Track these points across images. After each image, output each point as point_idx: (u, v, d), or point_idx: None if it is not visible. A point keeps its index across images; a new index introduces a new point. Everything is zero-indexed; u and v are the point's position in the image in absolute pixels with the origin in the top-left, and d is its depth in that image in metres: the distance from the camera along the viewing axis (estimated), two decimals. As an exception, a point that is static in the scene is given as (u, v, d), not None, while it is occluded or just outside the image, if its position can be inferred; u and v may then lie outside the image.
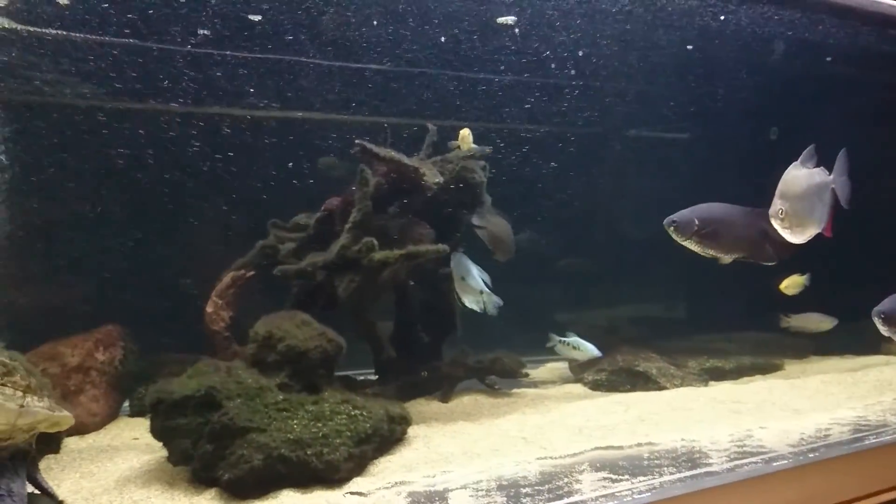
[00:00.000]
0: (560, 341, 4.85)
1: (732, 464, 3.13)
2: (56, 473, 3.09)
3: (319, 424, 3.01)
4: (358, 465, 3.04)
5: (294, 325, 3.34)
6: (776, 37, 5.99)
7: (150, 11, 4.33)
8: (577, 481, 2.96)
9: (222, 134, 4.76)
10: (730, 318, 6.25)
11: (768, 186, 3.45)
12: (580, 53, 5.66)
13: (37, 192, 4.34)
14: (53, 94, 4.36)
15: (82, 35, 4.28)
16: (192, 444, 2.91)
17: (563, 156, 6.12)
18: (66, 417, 2.40)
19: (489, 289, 4.26)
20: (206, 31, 4.46)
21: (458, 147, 4.36)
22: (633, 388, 4.76)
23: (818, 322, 5.44)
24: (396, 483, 2.95)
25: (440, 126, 4.49)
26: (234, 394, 3.00)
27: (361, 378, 4.33)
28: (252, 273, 4.31)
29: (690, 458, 3.20)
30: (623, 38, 5.70)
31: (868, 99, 6.32)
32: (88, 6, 4.21)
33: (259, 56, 4.73)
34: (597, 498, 2.75)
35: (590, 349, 4.79)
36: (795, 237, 3.48)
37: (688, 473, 3.01)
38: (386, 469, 3.12)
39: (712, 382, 5.03)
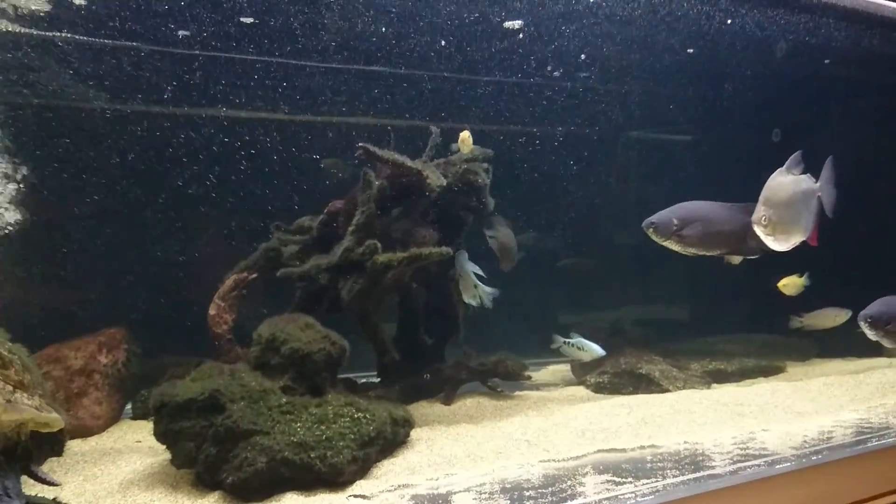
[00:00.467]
0: (564, 342, 4.85)
1: (735, 466, 3.12)
2: (59, 476, 3.08)
3: (323, 427, 3.01)
4: (361, 468, 3.04)
5: (298, 327, 3.34)
6: (779, 39, 5.99)
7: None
8: (581, 484, 2.96)
9: (226, 137, 4.77)
10: (733, 321, 6.25)
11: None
12: (583, 56, 5.67)
13: (42, 195, 4.35)
14: (54, 96, 4.38)
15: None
16: (196, 446, 2.91)
17: (566, 157, 6.13)
18: (54, 419, 2.31)
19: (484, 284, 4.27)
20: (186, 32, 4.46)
21: (459, 149, 4.36)
22: (636, 391, 4.76)
23: (833, 316, 5.30)
24: (400, 486, 2.95)
25: (444, 129, 4.49)
26: (238, 396, 3.01)
27: (364, 381, 4.34)
28: (255, 275, 4.31)
29: (693, 461, 3.20)
30: (628, 39, 5.71)
31: (874, 100, 6.32)
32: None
33: (262, 59, 4.74)
34: (600, 500, 2.75)
35: (594, 349, 4.79)
36: (779, 245, 3.44)
37: (691, 476, 3.01)
38: (389, 472, 3.12)
39: (715, 385, 5.02)
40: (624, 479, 2.99)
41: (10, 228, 3.78)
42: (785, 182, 3.42)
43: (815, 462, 3.18)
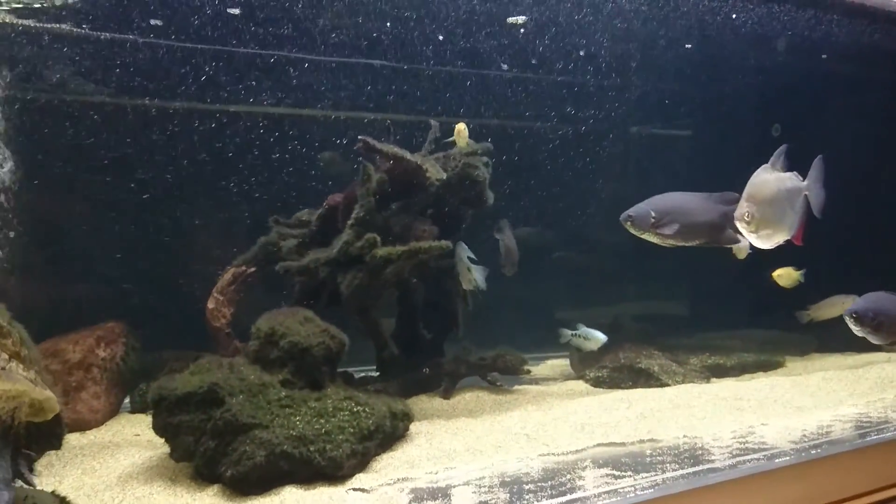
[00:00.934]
0: (573, 335, 4.85)
1: (735, 460, 3.12)
2: (58, 469, 3.09)
3: (322, 421, 3.01)
4: (361, 462, 3.04)
5: (297, 321, 3.34)
6: (779, 34, 5.99)
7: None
8: (580, 478, 2.97)
9: (223, 131, 4.76)
10: (732, 316, 6.25)
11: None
12: (583, 52, 5.66)
13: (41, 190, 4.34)
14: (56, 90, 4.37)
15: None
16: (195, 440, 2.91)
17: (566, 151, 6.12)
18: (49, 398, 2.24)
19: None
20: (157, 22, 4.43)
21: (455, 142, 4.34)
22: (635, 385, 4.76)
23: (842, 304, 5.12)
24: (399, 479, 2.95)
25: (444, 123, 4.49)
26: (237, 390, 3.00)
27: (363, 375, 4.33)
28: (253, 269, 4.30)
29: (693, 455, 3.20)
30: (627, 34, 5.70)
31: (874, 96, 6.32)
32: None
33: (261, 52, 4.73)
34: (600, 494, 2.75)
35: (598, 336, 4.79)
36: (762, 243, 3.39)
37: (690, 470, 3.01)
38: (389, 465, 3.12)
39: (714, 379, 5.03)
40: (623, 473, 2.99)
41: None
42: (769, 179, 3.36)
43: (814, 456, 3.18)
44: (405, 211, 4.15)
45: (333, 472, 2.90)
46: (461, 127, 4.30)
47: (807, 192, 3.43)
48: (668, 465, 3.08)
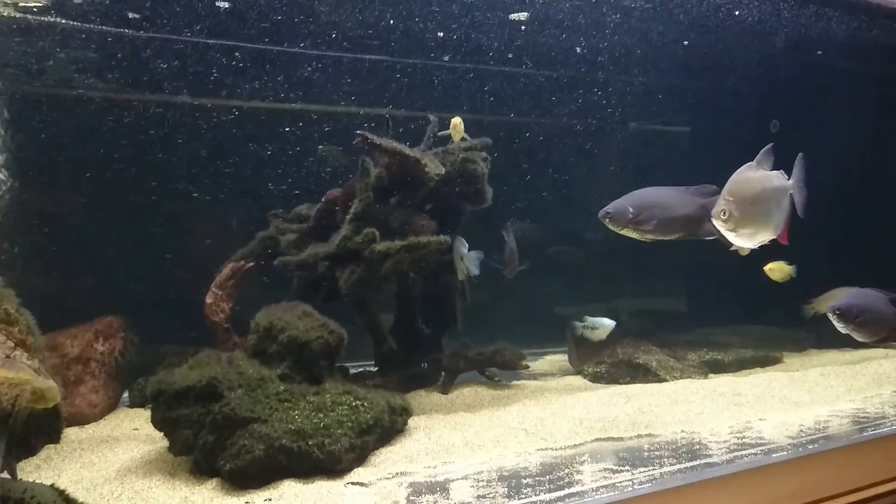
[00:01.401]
0: (583, 327, 4.87)
1: (732, 455, 3.13)
2: (57, 463, 3.09)
3: (321, 415, 3.01)
4: (359, 456, 3.04)
5: (295, 316, 3.34)
6: (778, 30, 6.00)
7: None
8: (578, 472, 2.97)
9: (220, 126, 4.75)
10: (730, 312, 6.27)
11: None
12: (579, 49, 5.66)
13: (39, 183, 4.34)
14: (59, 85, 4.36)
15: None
16: (194, 434, 2.91)
17: (564, 148, 6.13)
18: (52, 388, 2.20)
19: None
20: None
21: (450, 136, 4.34)
22: (633, 381, 4.76)
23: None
24: (398, 473, 2.95)
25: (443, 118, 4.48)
26: (236, 384, 3.01)
27: (361, 370, 4.34)
28: (252, 264, 4.30)
29: (690, 450, 3.21)
30: (625, 30, 5.70)
31: (873, 91, 6.33)
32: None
33: (260, 47, 4.72)
34: (597, 489, 2.76)
35: (605, 322, 4.81)
36: (743, 241, 3.37)
37: (688, 465, 3.02)
38: (387, 460, 3.12)
39: (712, 375, 5.03)
40: (621, 468, 3.00)
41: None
42: (752, 177, 3.31)
43: (811, 451, 3.19)
44: (404, 205, 4.16)
45: (332, 467, 2.91)
46: (457, 121, 4.30)
47: (791, 192, 3.40)
48: (665, 459, 3.09)
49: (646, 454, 3.18)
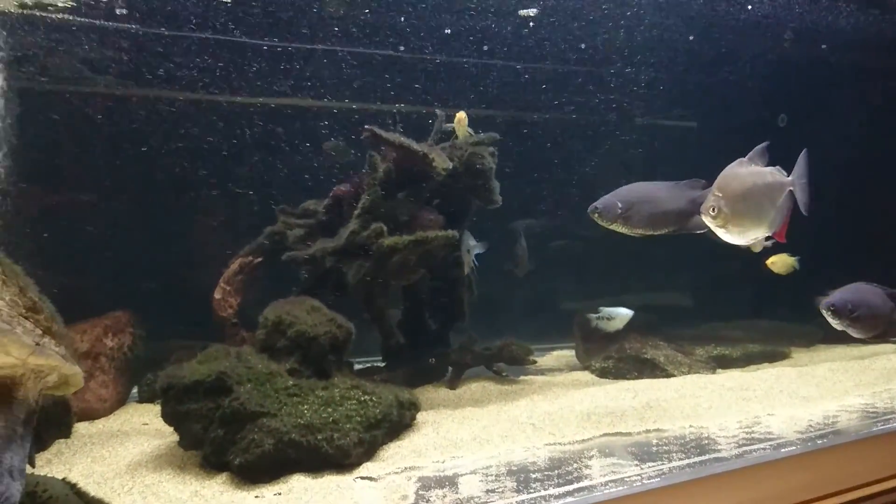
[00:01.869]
0: (598, 317, 4.85)
1: (741, 450, 3.13)
2: (67, 458, 3.11)
3: (330, 409, 3.02)
4: (368, 451, 3.05)
5: (304, 310, 3.35)
6: (787, 23, 5.97)
7: None
8: (587, 467, 2.97)
9: (230, 123, 4.76)
10: (737, 307, 6.24)
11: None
12: (583, 45, 5.65)
13: (46, 179, 4.35)
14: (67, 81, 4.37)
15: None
16: (203, 428, 2.92)
17: (570, 142, 6.11)
18: (77, 373, 2.22)
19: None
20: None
21: (454, 130, 4.34)
22: (641, 376, 4.76)
23: None
24: (406, 468, 2.96)
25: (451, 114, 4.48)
26: (245, 379, 3.02)
27: (368, 365, 4.35)
28: (260, 259, 4.31)
29: (699, 445, 3.20)
30: (630, 23, 5.68)
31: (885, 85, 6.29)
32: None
33: (264, 43, 4.72)
34: (606, 483, 2.76)
35: (622, 312, 4.80)
36: (733, 238, 3.30)
37: (696, 459, 3.01)
38: (396, 454, 3.13)
39: (720, 370, 5.03)
40: (629, 462, 2.99)
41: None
42: (741, 173, 3.25)
43: (820, 446, 3.18)
44: (411, 200, 4.16)
45: (341, 461, 2.92)
46: (461, 116, 4.30)
47: (791, 188, 3.33)
48: (674, 454, 3.09)
49: (654, 449, 3.18)
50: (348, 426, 2.98)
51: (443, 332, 4.61)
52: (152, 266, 4.58)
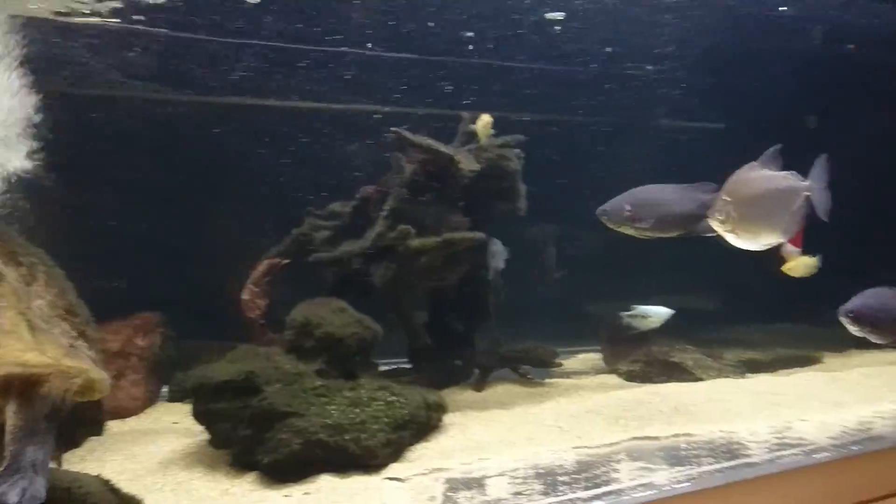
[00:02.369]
0: (630, 316, 4.80)
1: (773, 455, 3.08)
2: (100, 455, 3.15)
3: (357, 410, 3.03)
4: (395, 452, 3.06)
5: (331, 311, 3.37)
6: (815, 23, 5.89)
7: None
8: (615, 470, 2.95)
9: (262, 125, 4.80)
10: (766, 310, 6.15)
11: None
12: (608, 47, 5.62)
13: (82, 181, 4.42)
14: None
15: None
16: (233, 427, 2.95)
17: (592, 144, 6.07)
18: (104, 380, 2.25)
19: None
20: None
21: (476, 133, 4.33)
22: (669, 379, 4.69)
23: None
24: (434, 469, 2.95)
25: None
26: (273, 379, 3.04)
27: (394, 367, 4.35)
28: (287, 261, 4.34)
29: (729, 449, 3.16)
30: (649, 24, 5.64)
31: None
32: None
33: (293, 47, 4.76)
34: (635, 487, 2.73)
35: (662, 311, 4.72)
36: (743, 243, 3.27)
37: (727, 464, 2.98)
38: (423, 455, 3.13)
39: (749, 374, 4.94)
40: (658, 466, 2.96)
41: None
42: (752, 178, 3.22)
43: (854, 452, 3.13)
44: (437, 202, 4.15)
45: (368, 461, 2.92)
46: (485, 118, 4.30)
47: (808, 193, 3.26)
48: (703, 458, 3.05)
49: (683, 453, 3.14)
50: (375, 427, 2.99)
51: (468, 334, 4.60)
52: (179, 267, 4.63)
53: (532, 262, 4.92)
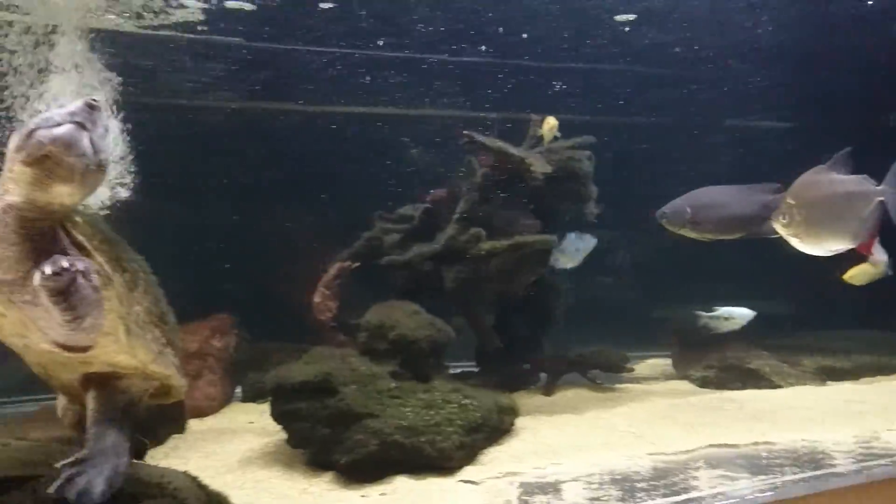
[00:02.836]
0: (711, 317, 4.68)
1: (860, 465, 2.96)
2: (183, 452, 3.25)
3: (431, 412, 3.04)
4: (469, 454, 3.06)
5: (404, 314, 3.40)
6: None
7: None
8: (694, 478, 2.89)
9: (336, 131, 4.88)
10: (844, 315, 5.92)
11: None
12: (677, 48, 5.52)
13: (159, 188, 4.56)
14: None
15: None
16: (310, 427, 2.99)
17: (662, 146, 5.97)
18: (182, 386, 2.41)
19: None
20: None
21: (541, 135, 4.31)
22: (744, 386, 4.55)
23: None
24: (507, 473, 2.95)
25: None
26: (349, 380, 3.08)
27: (460, 370, 4.35)
28: (357, 264, 4.39)
29: (813, 459, 3.06)
30: (729, 22, 5.51)
31: None
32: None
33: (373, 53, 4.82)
34: (716, 495, 2.67)
35: (746, 312, 4.62)
36: (808, 248, 3.17)
37: (811, 474, 2.88)
38: (496, 459, 3.12)
39: (830, 382, 4.77)
40: (739, 475, 2.89)
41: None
42: (820, 181, 3.12)
43: (948, 464, 2.98)
44: (508, 205, 4.14)
45: (442, 464, 2.93)
46: (551, 120, 4.28)
47: (882, 198, 3.12)
48: (786, 468, 2.97)
49: (764, 462, 3.06)
50: (450, 429, 3.00)
51: (535, 338, 4.57)
52: (250, 270, 4.73)
53: (599, 265, 4.84)
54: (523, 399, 4.21)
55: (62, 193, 1.69)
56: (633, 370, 4.59)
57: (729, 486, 2.76)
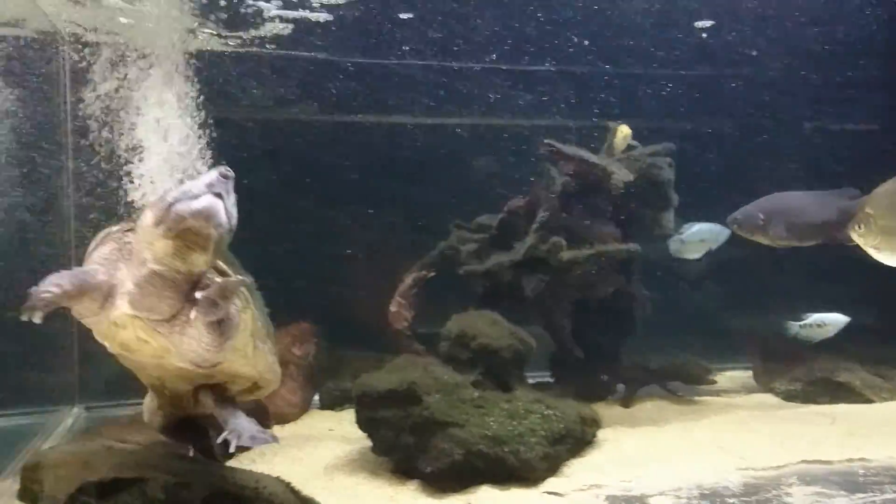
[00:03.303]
0: (802, 326, 4.50)
1: (967, 486, 2.83)
2: (269, 458, 3.32)
3: (514, 422, 3.04)
4: (552, 466, 3.05)
5: (485, 323, 3.41)
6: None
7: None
8: (787, 494, 2.82)
9: (412, 142, 4.94)
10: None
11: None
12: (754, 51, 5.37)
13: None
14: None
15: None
16: (395, 435, 3.02)
17: (734, 148, 5.80)
18: (276, 380, 2.50)
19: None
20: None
21: (615, 144, 4.25)
22: (834, 401, 4.32)
23: None
24: (592, 485, 2.93)
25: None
26: (433, 389, 3.09)
27: (536, 381, 4.32)
28: (433, 273, 4.41)
29: (915, 477, 2.93)
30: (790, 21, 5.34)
31: None
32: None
33: (438, 64, 4.86)
34: (812, 513, 2.59)
35: (839, 319, 4.43)
36: (886, 258, 3.05)
37: (914, 493, 2.76)
38: (579, 470, 3.10)
39: (927, 396, 4.54)
40: (835, 493, 2.81)
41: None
42: None
43: None
44: (588, 214, 4.10)
45: (526, 474, 2.93)
46: (624, 129, 4.22)
47: None
48: (886, 486, 2.86)
49: (861, 479, 2.97)
50: (533, 440, 2.99)
51: (613, 347, 4.50)
52: (329, 278, 4.80)
53: (675, 273, 4.74)
54: (601, 410, 4.10)
55: (199, 261, 1.87)
56: (716, 382, 4.45)
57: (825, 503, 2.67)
